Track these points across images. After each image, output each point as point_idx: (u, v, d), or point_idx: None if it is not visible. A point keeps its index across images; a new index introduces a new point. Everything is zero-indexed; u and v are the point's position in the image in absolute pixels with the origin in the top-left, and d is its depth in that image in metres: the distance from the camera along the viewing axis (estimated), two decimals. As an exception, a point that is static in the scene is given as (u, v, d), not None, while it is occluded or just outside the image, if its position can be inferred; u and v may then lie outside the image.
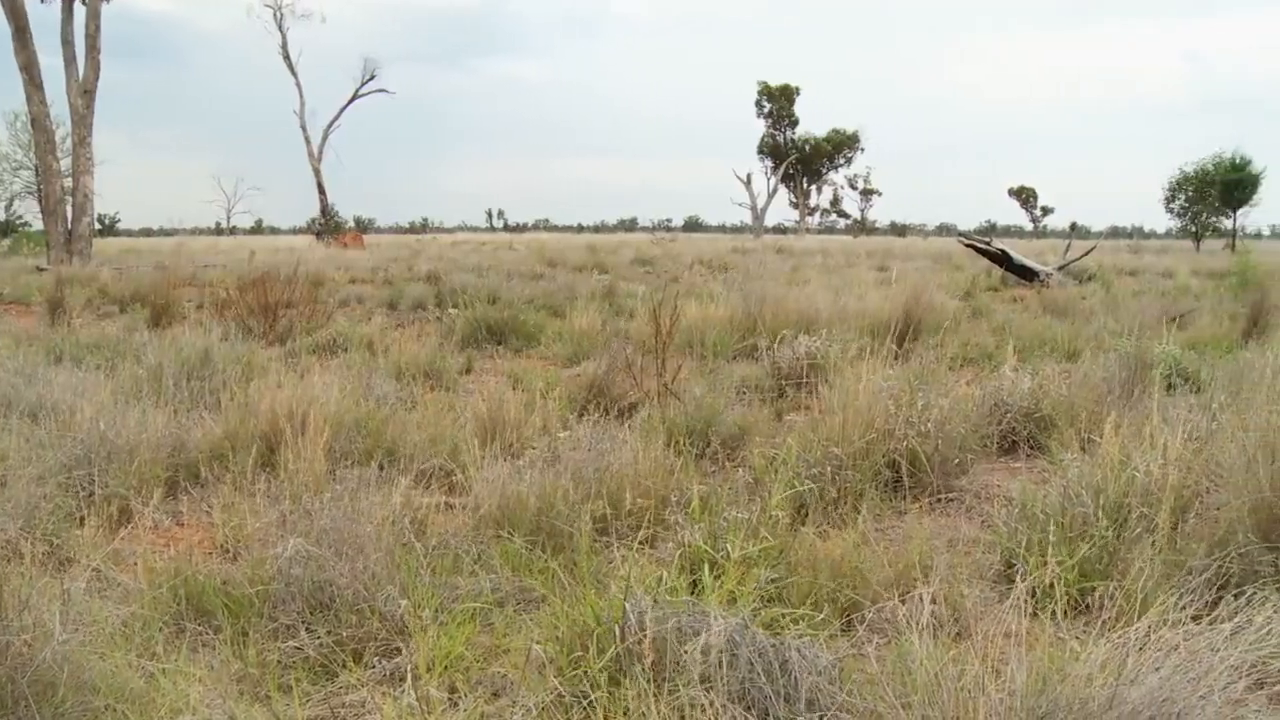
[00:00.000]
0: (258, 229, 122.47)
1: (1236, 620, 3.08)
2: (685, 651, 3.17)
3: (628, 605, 3.46)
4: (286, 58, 64.14)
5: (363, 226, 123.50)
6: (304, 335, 12.10)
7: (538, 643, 3.66)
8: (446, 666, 3.69)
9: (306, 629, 3.92)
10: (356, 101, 66.50)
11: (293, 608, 4.05)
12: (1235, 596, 3.47)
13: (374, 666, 3.77)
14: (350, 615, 3.96)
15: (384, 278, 24.57)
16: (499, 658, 3.85)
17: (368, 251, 41.25)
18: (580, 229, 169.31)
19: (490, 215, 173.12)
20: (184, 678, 3.47)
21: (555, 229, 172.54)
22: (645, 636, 3.28)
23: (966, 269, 28.35)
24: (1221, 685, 2.88)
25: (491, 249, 46.48)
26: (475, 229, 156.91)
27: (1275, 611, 3.25)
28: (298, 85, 64.03)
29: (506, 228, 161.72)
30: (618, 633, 3.44)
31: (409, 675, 3.42)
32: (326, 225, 63.25)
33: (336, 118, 65.83)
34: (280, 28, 63.66)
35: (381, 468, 5.74)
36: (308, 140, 64.14)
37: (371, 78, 66.38)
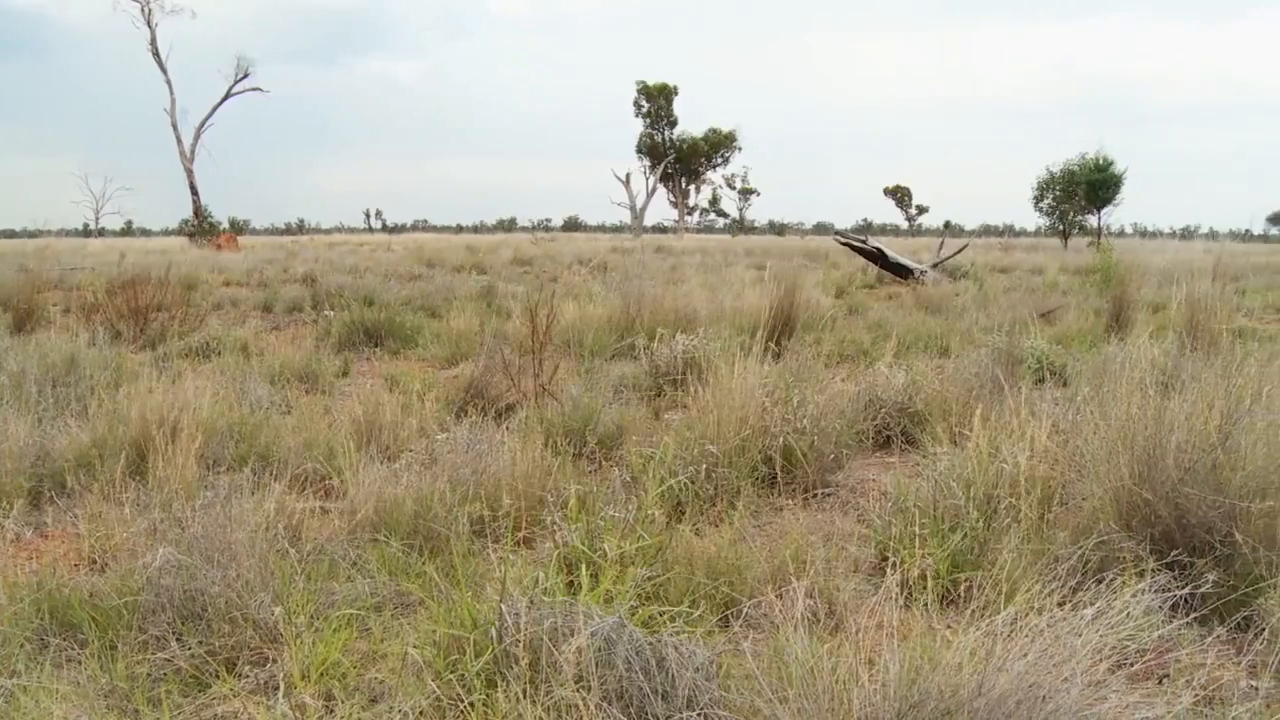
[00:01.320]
0: (128, 231, 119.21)
1: (1098, 605, 3.17)
2: (561, 652, 3.17)
3: (504, 607, 3.46)
4: (156, 54, 62.47)
5: (238, 228, 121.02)
6: (176, 339, 11.84)
7: (415, 647, 3.63)
8: (323, 673, 3.64)
9: (177, 640, 3.84)
10: (230, 100, 65.03)
11: (163, 618, 3.96)
12: (1097, 582, 3.57)
13: (247, 676, 3.71)
14: (223, 624, 3.89)
15: (259, 280, 24.13)
16: (376, 663, 3.81)
17: (243, 253, 40.46)
18: (459, 229, 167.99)
19: (368, 216, 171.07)
20: (47, 695, 3.38)
21: (434, 229, 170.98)
22: (521, 638, 3.27)
23: (843, 267, 28.77)
24: (1084, 668, 2.95)
25: (369, 250, 45.92)
26: (353, 230, 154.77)
27: (1134, 596, 3.35)
28: (168, 83, 62.46)
29: (385, 228, 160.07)
30: (494, 635, 3.44)
31: (282, 684, 3.38)
32: (200, 227, 61.78)
33: (209, 116, 64.38)
34: (149, 23, 61.98)
35: (255, 473, 5.65)
36: (179, 140, 62.64)
37: (245, 75, 64.98)
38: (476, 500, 5.14)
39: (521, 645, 3.27)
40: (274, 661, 3.76)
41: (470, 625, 3.58)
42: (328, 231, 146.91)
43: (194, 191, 63.10)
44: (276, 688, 3.48)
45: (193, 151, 63.08)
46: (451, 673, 3.47)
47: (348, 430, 6.57)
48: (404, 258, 34.82)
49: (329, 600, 4.26)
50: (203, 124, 63.91)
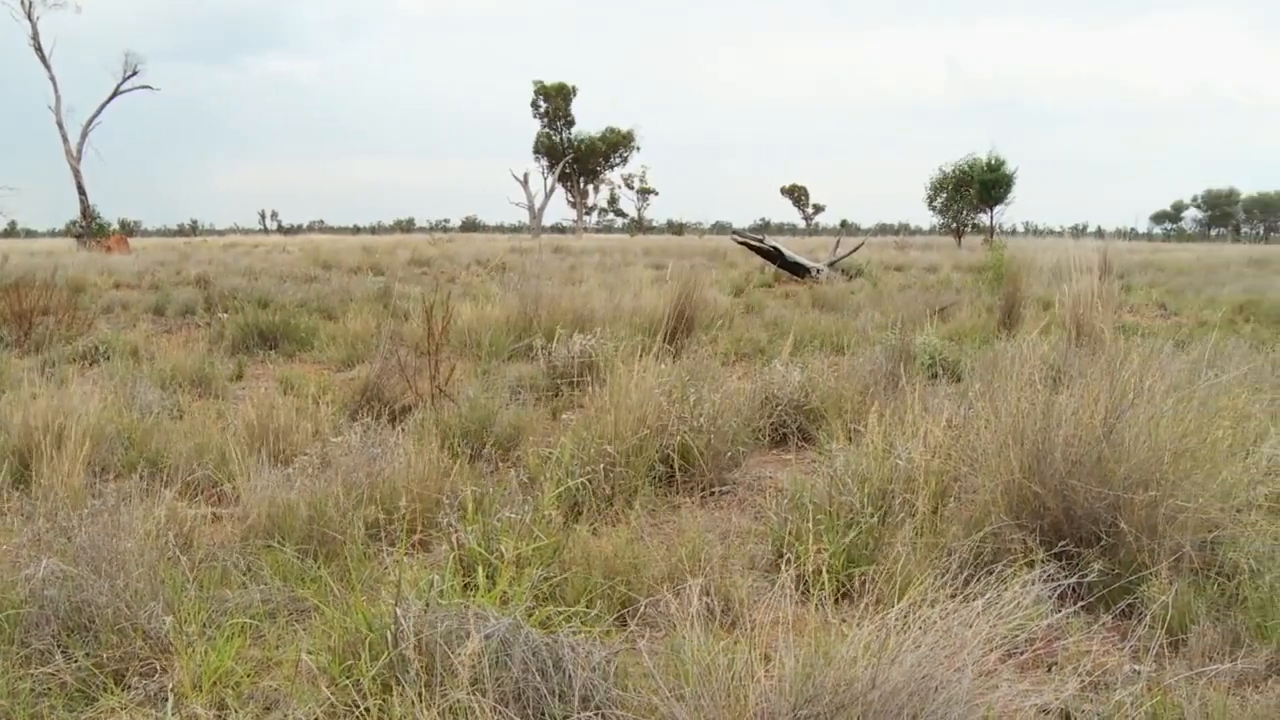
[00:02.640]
0: (11, 232, 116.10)
1: (988, 596, 3.22)
2: (456, 654, 3.15)
3: (399, 610, 3.42)
4: (38, 49, 60.80)
5: (128, 229, 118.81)
6: (62, 344, 11.57)
7: (309, 653, 3.59)
8: (215, 683, 3.59)
9: (63, 653, 3.74)
10: (119, 98, 63.65)
11: (48, 631, 3.86)
12: (988, 574, 3.63)
13: (136, 688, 3.63)
14: (111, 635, 3.80)
15: (150, 282, 23.65)
16: (270, 671, 3.76)
17: (133, 255, 39.61)
18: (356, 230, 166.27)
19: (263, 217, 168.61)
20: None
21: (331, 231, 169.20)
22: (416, 641, 3.25)
23: (740, 266, 28.98)
24: (975, 658, 3.00)
25: (264, 251, 45.30)
26: (248, 231, 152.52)
27: (1023, 586, 3.41)
28: (52, 79, 60.84)
29: (280, 230, 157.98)
30: (389, 639, 3.40)
31: (172, 695, 3.32)
32: (88, 228, 60.33)
33: (96, 114, 62.86)
34: (29, 16, 60.31)
35: (145, 480, 5.52)
36: (65, 138, 61.09)
37: (134, 73, 63.56)
38: (372, 503, 5.10)
39: (417, 649, 3.24)
40: (164, 672, 3.70)
41: (366, 630, 3.54)
42: (222, 233, 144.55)
43: (81, 192, 61.60)
44: (166, 699, 3.42)
45: (79, 151, 61.60)
46: (346, 678, 3.43)
47: (241, 435, 6.46)
48: (300, 259, 34.39)
49: (221, 608, 4.19)
50: (90, 122, 62.44)
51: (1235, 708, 3.50)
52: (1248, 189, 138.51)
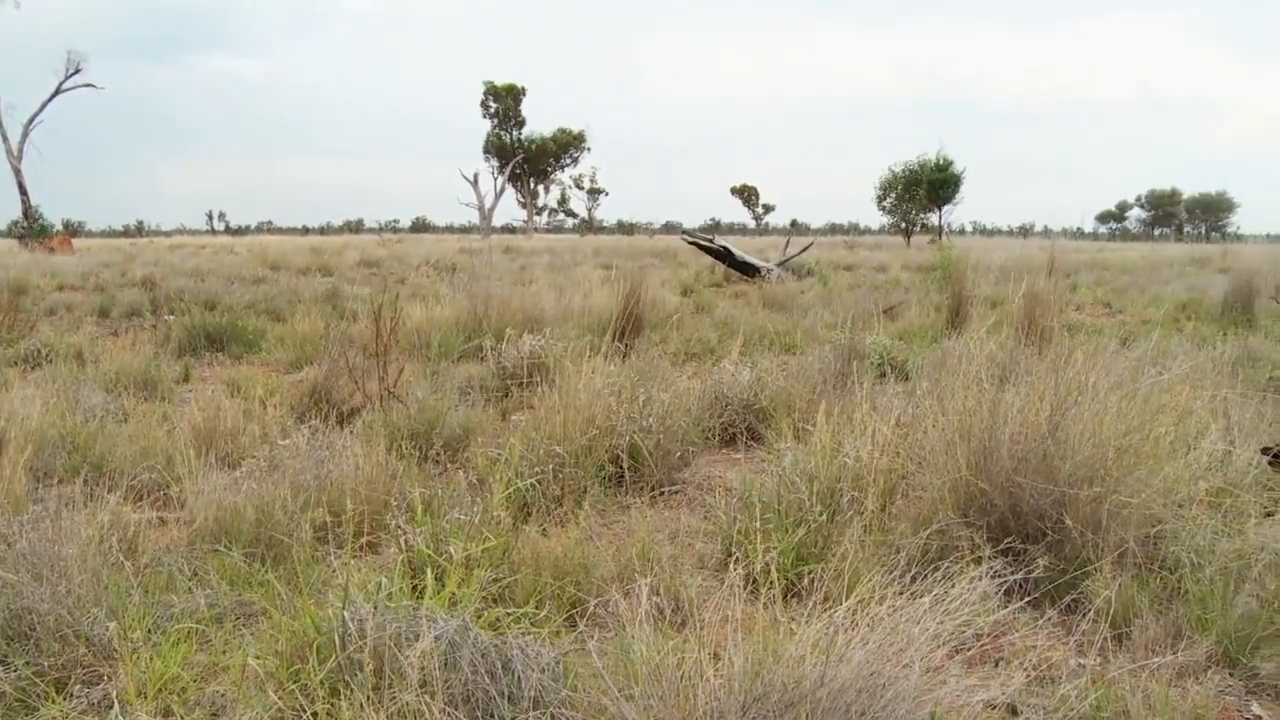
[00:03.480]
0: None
1: (935, 593, 3.24)
2: (405, 657, 3.14)
3: (346, 614, 3.40)
4: (-25, 47, 59.91)
5: (72, 230, 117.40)
6: (3, 346, 11.42)
7: (257, 658, 3.56)
8: (160, 689, 3.55)
9: (2, 661, 3.70)
10: (61, 96, 62.86)
11: (-13, 639, 3.81)
12: (935, 571, 3.65)
13: (78, 696, 3.58)
14: (53, 643, 3.75)
15: (95, 284, 23.34)
16: (217, 676, 3.72)
17: (77, 256, 39.12)
18: (305, 231, 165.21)
19: (211, 218, 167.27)
20: None
21: (279, 232, 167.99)
22: (365, 644, 3.23)
23: (690, 266, 29.02)
24: (923, 655, 3.03)
25: (212, 252, 44.89)
26: (195, 232, 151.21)
27: (970, 583, 3.44)
28: (-9, 77, 60.06)
29: (228, 230, 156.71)
30: (337, 642, 3.38)
31: (116, 702, 3.28)
32: (30, 229, 59.51)
33: (38, 113, 61.93)
34: (-35, 13, 59.42)
35: (89, 484, 5.46)
36: (5, 138, 60.15)
37: (76, 71, 62.72)
38: (320, 506, 5.06)
39: (365, 652, 3.22)
40: (108, 679, 3.65)
41: (314, 633, 3.51)
42: (169, 234, 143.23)
43: (23, 192, 60.73)
44: (110, 706, 3.38)
45: (20, 150, 60.73)
46: (294, 682, 3.40)
47: (187, 438, 6.39)
48: (248, 260, 34.08)
49: (167, 613, 4.14)
50: (31, 121, 61.56)
51: (1177, 699, 3.55)
52: (1190, 189, 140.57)
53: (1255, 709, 3.74)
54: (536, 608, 4.02)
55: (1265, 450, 5.81)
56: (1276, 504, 5.30)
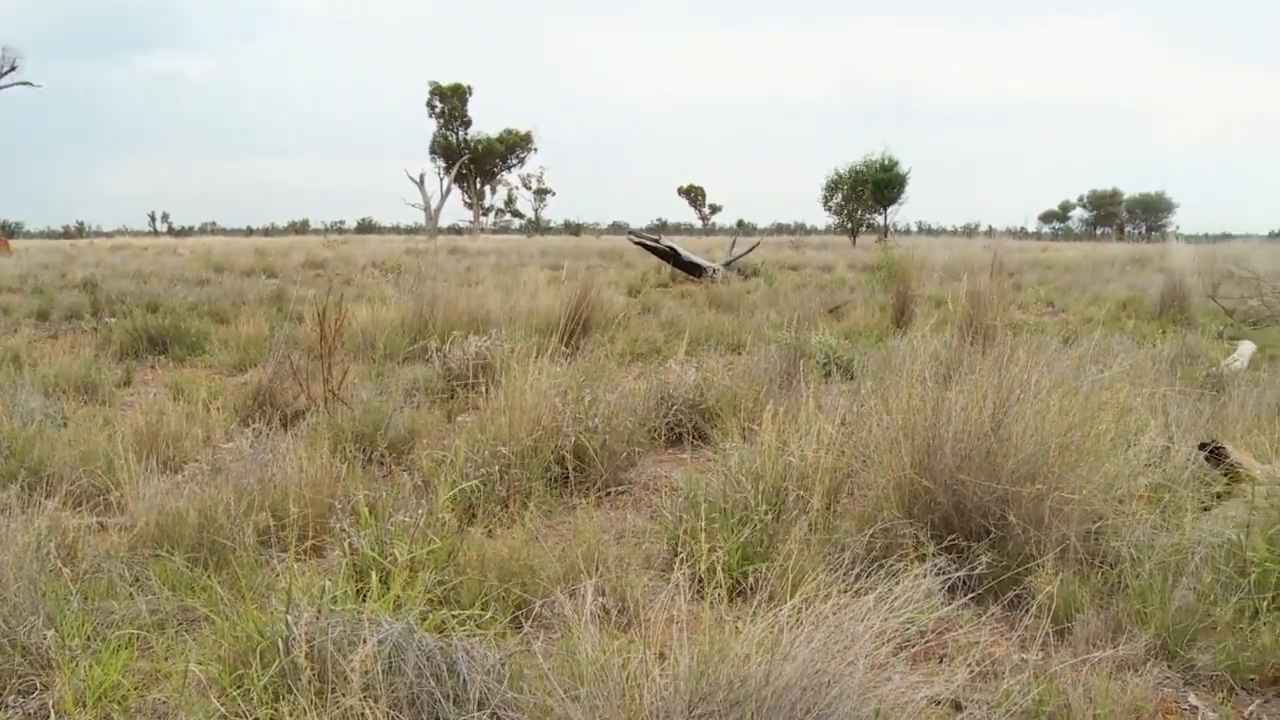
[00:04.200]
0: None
1: (879, 591, 3.26)
2: (348, 661, 3.12)
3: (289, 618, 3.38)
4: (-94, 43, 58.96)
5: (9, 231, 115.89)
6: (-62, 351, 11.24)
7: (199, 663, 3.53)
8: (100, 697, 3.50)
9: (-64, 671, 3.64)
10: (-4, 94, 62.00)
11: (-80, 649, 3.74)
12: (880, 569, 3.68)
13: (13, 707, 3.53)
14: (-12, 653, 3.70)
15: (34, 286, 22.98)
16: (159, 683, 3.68)
17: (15, 257, 38.54)
18: (250, 233, 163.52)
19: (153, 219, 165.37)
20: None
21: (223, 233, 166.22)
22: (308, 649, 3.21)
23: (637, 266, 29.03)
24: (867, 652, 3.04)
25: (154, 254, 44.35)
26: (137, 233, 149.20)
27: (915, 580, 3.46)
28: (-78, 74, 59.13)
29: (171, 232, 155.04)
30: (280, 646, 3.36)
31: (53, 711, 3.24)
32: (-35, 230, 58.64)
33: (-29, 113, 61.05)
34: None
35: (26, 490, 5.37)
36: (-62, 139, 59.23)
37: (12, 68, 61.91)
38: (263, 510, 5.02)
39: (308, 656, 3.20)
40: (45, 689, 3.60)
41: (257, 638, 3.49)
42: (110, 235, 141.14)
43: (-42, 193, 59.78)
44: (48, 716, 3.34)
45: (-45, 151, 59.72)
46: (237, 688, 3.38)
47: (128, 442, 6.31)
48: (191, 262, 33.71)
49: (107, 620, 4.09)
50: (-36, 121, 60.59)
51: (1117, 692, 3.60)
52: (1130, 190, 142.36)
53: (1192, 699, 3.80)
54: (482, 610, 4.00)
55: (1202, 446, 5.89)
56: (1213, 499, 5.37)
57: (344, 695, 3.07)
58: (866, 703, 3.02)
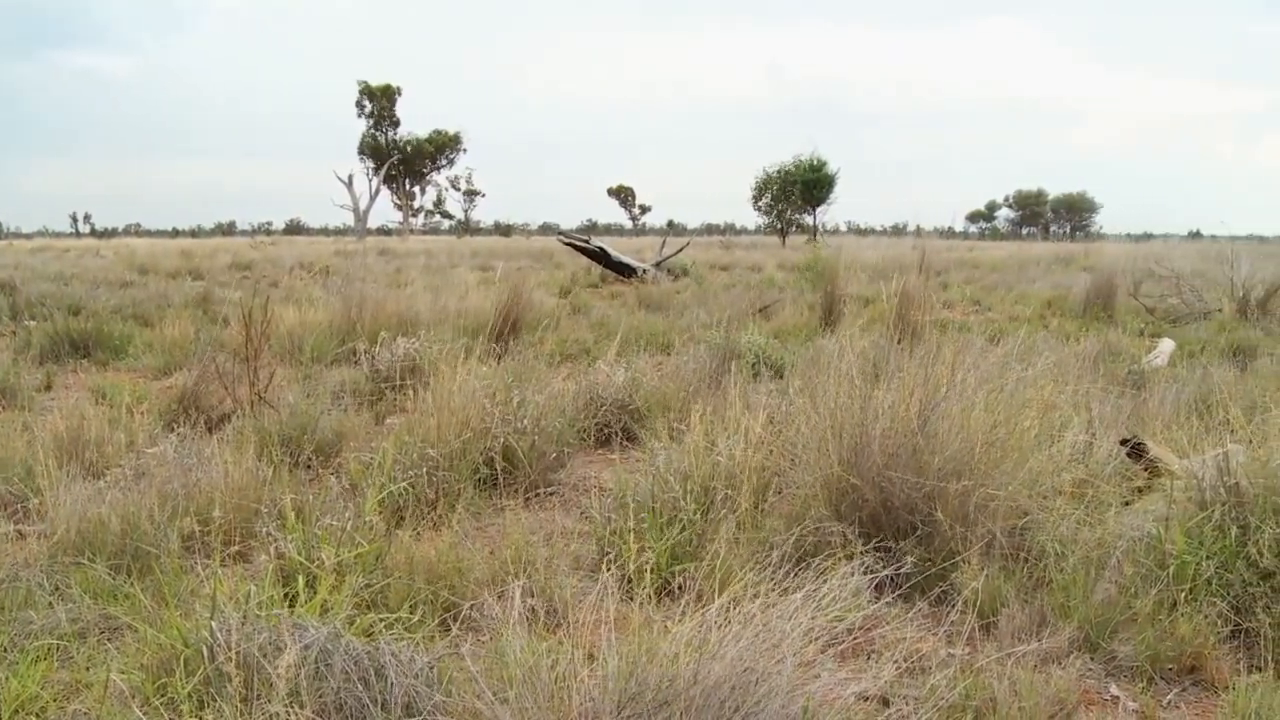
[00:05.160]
0: None
1: (807, 589, 3.28)
2: (273, 667, 3.08)
3: (214, 624, 3.33)
4: None
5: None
6: None
7: (121, 673, 3.47)
8: (18, 709, 3.44)
9: None
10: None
11: None
12: (808, 567, 3.69)
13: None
14: (-101, 665, 3.62)
15: (-51, 290, 22.54)
16: (79, 694, 3.62)
17: (-71, 262, 37.69)
18: (175, 234, 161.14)
19: (75, 220, 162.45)
20: None
21: (148, 234, 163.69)
22: (232, 655, 3.17)
23: (567, 267, 28.99)
24: (796, 650, 3.06)
25: (76, 255, 43.56)
26: (59, 234, 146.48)
27: (843, 578, 3.49)
28: None
29: (94, 233, 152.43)
30: (205, 653, 3.31)
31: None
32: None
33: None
34: None
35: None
36: None
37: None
38: (188, 515, 4.96)
39: (233, 663, 3.16)
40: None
41: (181, 645, 3.44)
42: (29, 236, 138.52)
43: None
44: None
45: None
46: (161, 697, 3.33)
47: (48, 447, 6.20)
48: (115, 264, 33.13)
49: (25, 630, 4.01)
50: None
51: (1041, 684, 3.65)
52: (1055, 190, 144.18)
53: (1114, 690, 3.87)
54: (410, 613, 3.98)
55: (1124, 441, 5.99)
56: (1134, 493, 5.45)
57: (269, 702, 3.04)
58: (795, 700, 3.04)
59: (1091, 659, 4.05)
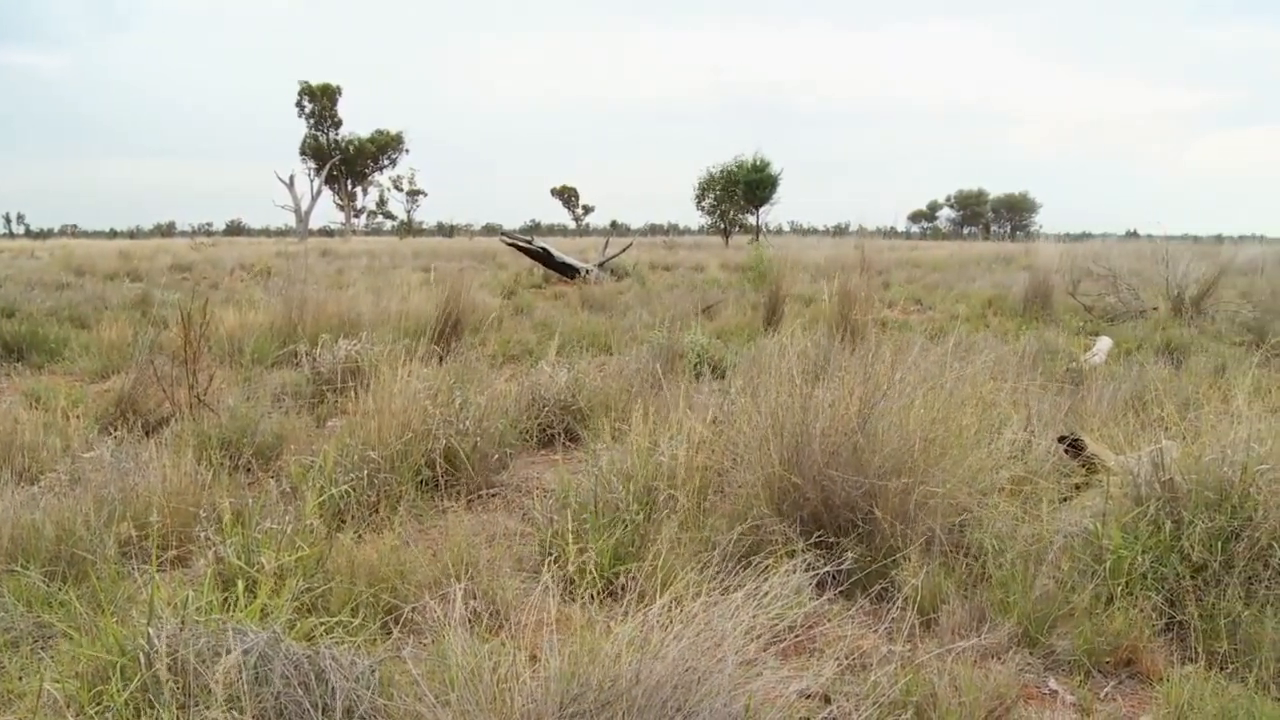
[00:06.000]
0: None
1: (748, 588, 3.29)
2: (211, 672, 3.05)
3: (151, 630, 3.30)
4: None
5: None
6: None
7: (55, 681, 3.42)
8: (-51, 720, 3.38)
9: None
10: None
11: None
12: (749, 566, 3.71)
13: None
14: None
15: (-126, 293, 22.11)
16: (12, 704, 3.56)
17: None
18: (114, 235, 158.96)
19: (9, 220, 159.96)
20: None
21: (85, 235, 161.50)
22: (170, 662, 3.14)
23: (510, 267, 28.92)
24: (737, 649, 3.07)
25: (9, 257, 42.84)
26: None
27: (784, 576, 3.51)
28: None
29: (28, 234, 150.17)
30: (142, 660, 3.28)
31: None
32: None
33: None
34: None
35: None
36: None
37: None
38: (125, 520, 4.90)
39: (171, 669, 3.13)
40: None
41: (117, 653, 3.40)
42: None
43: None
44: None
45: None
46: (96, 706, 3.29)
47: (-21, 453, 6.11)
48: (50, 265, 32.59)
49: (-44, 641, 3.95)
50: None
51: (981, 679, 3.69)
52: (996, 190, 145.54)
53: (1052, 684, 3.92)
54: (351, 616, 3.95)
55: (1061, 439, 6.06)
56: (1072, 490, 5.52)
57: (208, 708, 3.01)
58: (736, 698, 3.05)
59: (1030, 654, 4.10)
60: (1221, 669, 3.92)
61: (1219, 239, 39.56)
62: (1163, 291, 16.50)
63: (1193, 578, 4.26)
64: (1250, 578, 4.21)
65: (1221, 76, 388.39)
